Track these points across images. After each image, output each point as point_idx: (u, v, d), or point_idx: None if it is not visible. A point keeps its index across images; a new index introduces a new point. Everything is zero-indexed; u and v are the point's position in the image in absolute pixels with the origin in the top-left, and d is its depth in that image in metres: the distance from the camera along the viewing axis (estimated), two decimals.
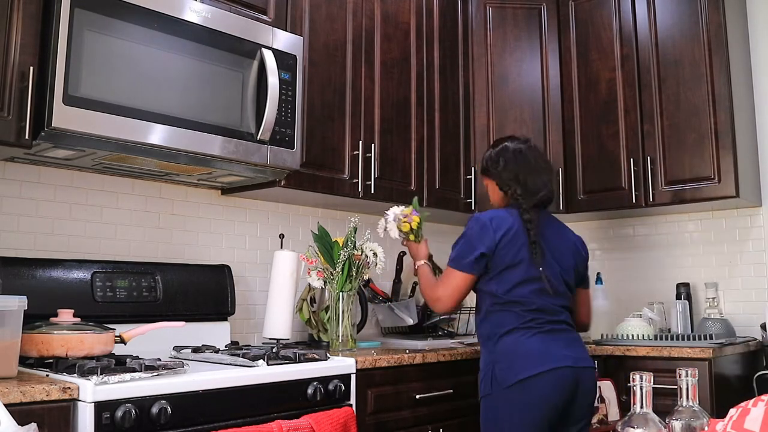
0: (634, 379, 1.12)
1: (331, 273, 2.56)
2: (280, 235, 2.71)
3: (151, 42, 2.01)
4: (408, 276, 3.17)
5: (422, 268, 2.42)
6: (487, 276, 2.18)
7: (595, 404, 2.67)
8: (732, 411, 1.03)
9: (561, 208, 3.27)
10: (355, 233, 2.57)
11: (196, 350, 2.17)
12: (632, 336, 2.84)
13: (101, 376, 1.56)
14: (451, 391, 2.52)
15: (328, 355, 2.17)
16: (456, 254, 2.24)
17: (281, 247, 2.63)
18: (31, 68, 1.81)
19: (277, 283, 2.52)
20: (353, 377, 2.15)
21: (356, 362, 2.17)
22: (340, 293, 2.55)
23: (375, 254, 2.62)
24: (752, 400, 1.03)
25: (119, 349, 1.91)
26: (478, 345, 2.63)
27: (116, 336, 1.88)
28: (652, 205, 3.06)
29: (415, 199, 2.66)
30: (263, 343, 2.48)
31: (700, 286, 3.16)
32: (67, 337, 1.76)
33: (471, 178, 3.24)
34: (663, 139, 3.03)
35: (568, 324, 2.19)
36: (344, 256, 2.53)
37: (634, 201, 3.06)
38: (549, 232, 2.24)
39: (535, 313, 2.11)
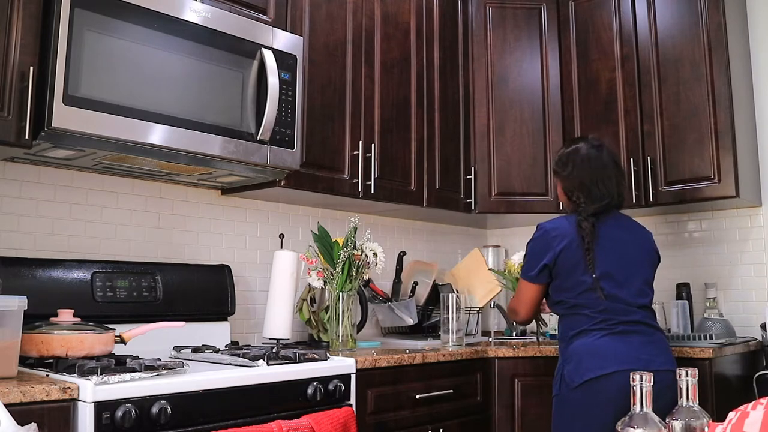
0: (634, 379, 1.12)
1: (331, 273, 2.56)
2: (280, 235, 2.72)
3: (151, 42, 2.01)
4: (408, 276, 3.17)
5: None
6: (555, 282, 2.24)
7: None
8: (731, 414, 1.03)
9: (561, 208, 3.27)
10: (355, 233, 2.57)
11: (196, 350, 2.17)
12: None
13: (101, 376, 1.56)
14: (451, 391, 2.52)
15: (328, 355, 2.17)
16: (524, 266, 2.34)
17: (281, 247, 2.64)
18: (31, 68, 1.81)
19: (277, 283, 2.52)
20: (353, 377, 2.15)
21: (356, 362, 2.17)
22: (340, 293, 2.55)
23: (375, 254, 2.62)
24: (751, 404, 1.03)
25: (119, 349, 1.91)
26: (480, 345, 2.66)
27: (116, 336, 1.88)
28: (652, 205, 3.06)
29: None
30: (263, 343, 2.48)
31: (700, 286, 3.16)
32: (67, 337, 1.76)
33: (471, 178, 3.24)
34: (663, 139, 3.02)
35: (646, 324, 2.16)
36: (344, 256, 2.53)
37: (634, 201, 3.06)
38: (617, 233, 2.23)
39: (604, 314, 2.13)
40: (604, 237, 2.20)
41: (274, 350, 2.08)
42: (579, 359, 2.10)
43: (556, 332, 2.33)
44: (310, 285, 2.65)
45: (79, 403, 1.53)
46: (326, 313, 2.66)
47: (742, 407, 1.04)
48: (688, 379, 1.12)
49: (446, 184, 3.13)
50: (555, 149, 3.30)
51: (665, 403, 1.99)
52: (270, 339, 2.48)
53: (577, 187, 2.26)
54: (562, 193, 2.36)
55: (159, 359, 1.82)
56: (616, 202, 2.27)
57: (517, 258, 2.82)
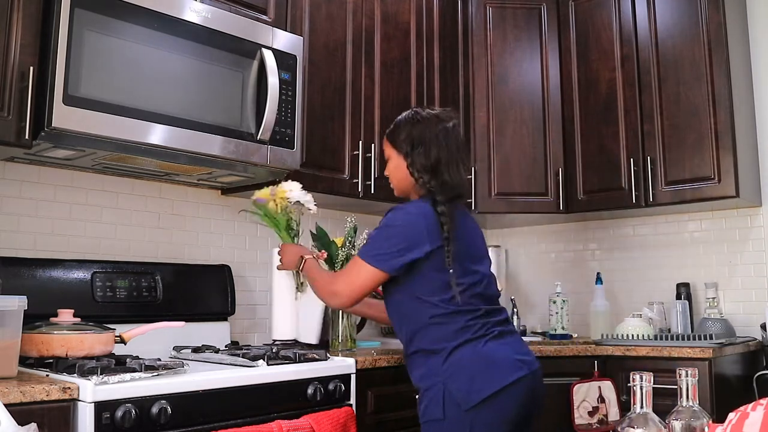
0: (634, 379, 1.12)
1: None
2: None
3: (151, 42, 2.01)
4: None
5: (309, 261, 2.08)
6: (412, 280, 1.86)
7: (595, 404, 2.67)
8: (731, 415, 1.03)
9: (561, 208, 3.27)
10: (354, 233, 2.57)
11: (196, 350, 2.17)
12: (632, 336, 2.84)
13: (101, 376, 1.56)
14: None
15: (328, 355, 2.17)
16: (378, 248, 1.86)
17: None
18: (31, 68, 1.81)
19: (280, 283, 2.49)
20: (353, 377, 2.15)
21: (356, 362, 2.17)
22: None
23: None
24: (751, 404, 1.03)
25: (119, 349, 1.91)
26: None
27: (116, 336, 1.88)
28: (652, 205, 3.06)
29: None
30: (266, 344, 2.48)
31: (700, 286, 3.16)
32: (67, 337, 1.76)
33: (471, 178, 3.24)
34: (663, 139, 3.03)
35: (509, 321, 1.94)
36: (343, 256, 2.53)
37: (634, 201, 3.06)
38: (466, 227, 1.95)
39: (486, 318, 1.85)
40: (462, 227, 1.90)
41: (274, 350, 2.08)
42: (469, 373, 1.77)
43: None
44: None
45: (79, 403, 1.53)
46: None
47: (741, 408, 1.03)
48: (688, 379, 1.12)
49: None
50: (555, 149, 3.31)
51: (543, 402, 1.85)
52: (277, 341, 2.43)
53: (429, 169, 1.91)
54: (400, 171, 1.99)
55: (159, 359, 1.82)
56: (467, 189, 2.05)
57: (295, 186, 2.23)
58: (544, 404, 1.91)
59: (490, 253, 2.77)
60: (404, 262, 1.83)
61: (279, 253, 2.22)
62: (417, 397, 1.88)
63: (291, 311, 2.48)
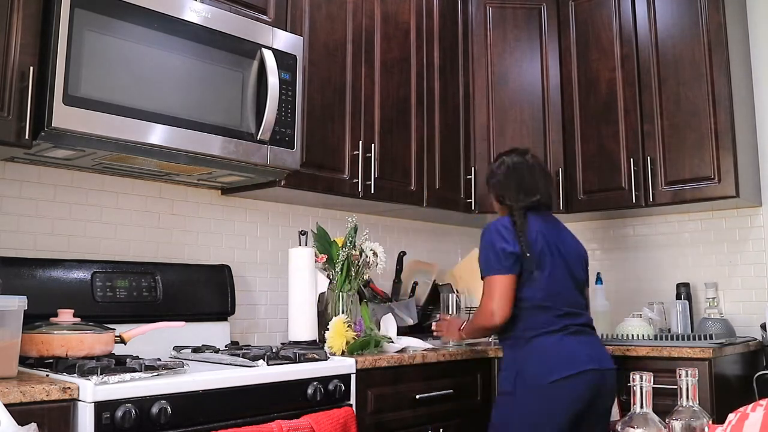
0: (634, 379, 1.12)
1: (331, 273, 2.56)
2: (301, 232, 2.58)
3: (151, 42, 2.01)
4: (408, 276, 3.17)
5: (464, 330, 2.46)
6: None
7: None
8: (731, 416, 1.03)
9: (561, 208, 3.27)
10: (355, 233, 2.57)
11: (196, 350, 2.17)
12: (632, 336, 2.84)
13: (101, 376, 1.56)
14: (451, 391, 2.52)
15: (328, 355, 2.17)
16: (491, 261, 2.23)
17: (291, 246, 2.58)
18: (31, 68, 1.81)
19: (297, 283, 2.46)
20: (353, 377, 2.15)
21: (356, 362, 2.17)
22: (340, 293, 2.55)
23: (375, 254, 2.62)
24: (751, 405, 1.03)
25: (119, 349, 1.91)
26: (480, 345, 2.65)
27: (116, 336, 1.88)
28: (652, 205, 3.06)
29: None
30: (283, 344, 2.47)
31: (700, 286, 3.16)
32: (67, 337, 1.76)
33: (471, 178, 3.24)
34: (663, 139, 3.03)
35: (587, 325, 2.27)
36: (343, 256, 2.53)
37: (634, 201, 3.06)
38: (549, 233, 2.29)
39: (565, 318, 2.20)
40: (534, 230, 2.25)
41: (274, 350, 2.08)
42: (541, 359, 2.15)
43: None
44: None
45: (79, 403, 1.53)
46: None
47: (741, 409, 1.04)
48: (688, 379, 1.12)
49: (446, 184, 3.13)
50: (555, 149, 3.31)
51: (612, 399, 2.19)
52: (294, 342, 2.42)
53: (506, 190, 2.36)
54: (495, 205, 2.46)
55: (159, 359, 1.82)
56: (544, 200, 2.35)
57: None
58: (606, 407, 2.21)
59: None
60: (512, 259, 2.20)
61: (439, 327, 2.64)
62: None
63: (309, 312, 2.46)
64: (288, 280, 2.50)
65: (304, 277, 2.46)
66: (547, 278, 2.21)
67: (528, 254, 2.19)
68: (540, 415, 2.10)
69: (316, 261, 2.54)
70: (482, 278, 2.26)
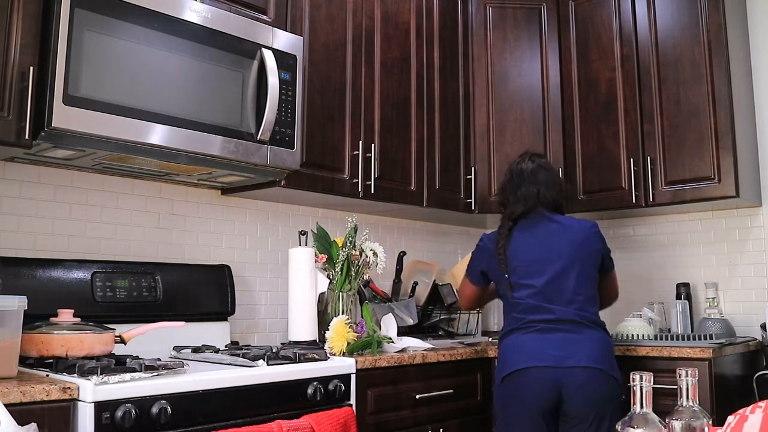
0: (634, 379, 1.12)
1: (332, 273, 2.56)
2: (301, 232, 2.61)
3: (151, 42, 2.01)
4: (408, 276, 3.17)
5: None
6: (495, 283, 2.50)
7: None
8: (730, 418, 1.03)
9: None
10: (355, 233, 2.57)
11: (196, 350, 2.17)
12: (632, 336, 2.84)
13: (101, 376, 1.56)
14: (451, 391, 2.52)
15: (328, 355, 2.17)
16: (469, 263, 2.59)
17: (296, 245, 2.59)
18: (31, 68, 1.81)
19: (297, 283, 2.46)
20: (353, 377, 2.15)
21: (356, 362, 2.17)
22: (340, 293, 2.55)
23: (375, 254, 2.62)
24: (750, 407, 1.03)
25: (119, 349, 1.91)
26: (480, 345, 2.69)
27: (116, 336, 1.88)
28: (652, 205, 3.06)
29: None
30: (284, 344, 2.47)
31: (700, 286, 3.16)
32: (67, 337, 1.76)
33: (471, 178, 3.24)
34: (663, 139, 3.03)
35: (564, 321, 2.27)
36: (343, 256, 2.53)
37: (634, 201, 3.06)
38: (535, 232, 2.40)
39: (526, 314, 2.30)
40: (518, 238, 2.38)
41: (274, 350, 2.08)
42: (501, 357, 2.33)
43: None
44: None
45: (79, 403, 1.53)
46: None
47: (740, 411, 1.04)
48: (688, 379, 1.12)
49: (446, 184, 3.13)
50: (555, 149, 3.31)
51: (585, 399, 2.17)
52: (294, 342, 2.43)
53: (503, 200, 2.53)
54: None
55: (159, 359, 1.82)
56: (540, 201, 2.43)
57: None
58: (583, 403, 2.20)
59: None
60: (478, 276, 2.53)
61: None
62: None
63: (309, 312, 2.46)
64: (288, 280, 2.50)
65: (304, 277, 2.46)
66: (519, 284, 2.33)
67: (504, 272, 2.37)
68: (504, 407, 2.27)
69: (316, 261, 2.53)
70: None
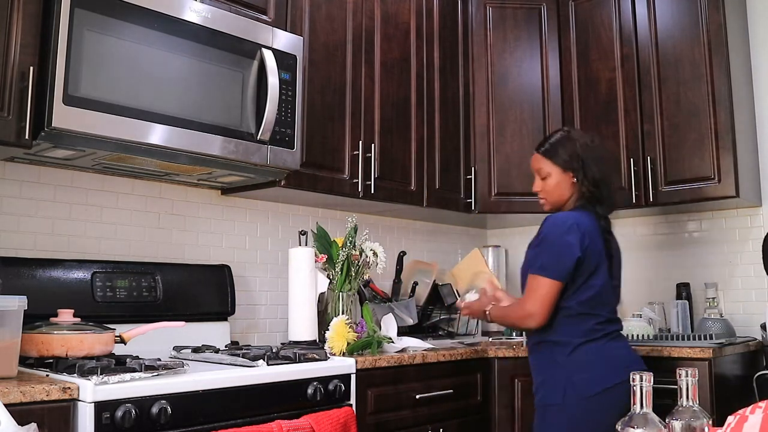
0: (634, 379, 1.12)
1: (332, 273, 2.56)
2: (301, 232, 2.61)
3: (151, 42, 2.01)
4: (408, 276, 3.17)
5: (492, 310, 2.28)
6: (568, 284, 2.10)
7: None
8: (730, 418, 1.03)
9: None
10: (355, 233, 2.57)
11: (196, 350, 2.17)
12: (632, 336, 2.84)
13: (101, 376, 1.56)
14: (451, 391, 2.52)
15: (328, 355, 2.17)
16: (545, 261, 2.08)
17: (296, 245, 2.58)
18: (31, 68, 1.81)
19: (297, 283, 2.46)
20: (353, 377, 2.15)
21: (356, 362, 2.17)
22: (340, 293, 2.55)
23: (375, 254, 2.62)
24: (750, 407, 1.03)
25: (119, 349, 1.91)
26: (479, 345, 2.60)
27: (116, 336, 1.88)
28: (652, 205, 3.06)
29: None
30: (284, 344, 2.47)
31: (700, 286, 3.16)
32: (67, 337, 1.76)
33: (471, 178, 3.24)
34: (663, 139, 3.02)
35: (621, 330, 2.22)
36: (343, 256, 2.53)
37: (634, 201, 3.06)
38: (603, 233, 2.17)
39: (608, 325, 2.12)
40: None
41: (274, 350, 2.08)
42: (593, 367, 2.04)
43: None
44: None
45: (79, 403, 1.53)
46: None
47: (740, 411, 1.04)
48: (688, 379, 1.12)
49: (446, 184, 3.13)
50: None
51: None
52: (294, 342, 2.42)
53: (598, 182, 2.15)
54: (565, 184, 2.21)
55: (159, 359, 1.82)
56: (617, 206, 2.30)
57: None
58: None
59: (490, 253, 2.76)
60: (570, 268, 2.05)
61: (465, 307, 2.39)
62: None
63: (309, 312, 2.46)
64: (288, 280, 2.50)
65: (304, 277, 2.46)
66: (597, 285, 2.09)
67: (600, 263, 2.08)
68: (589, 425, 1.99)
69: (316, 261, 2.54)
70: (530, 272, 2.12)
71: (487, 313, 2.26)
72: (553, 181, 2.24)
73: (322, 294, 2.61)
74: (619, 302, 2.23)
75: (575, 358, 2.06)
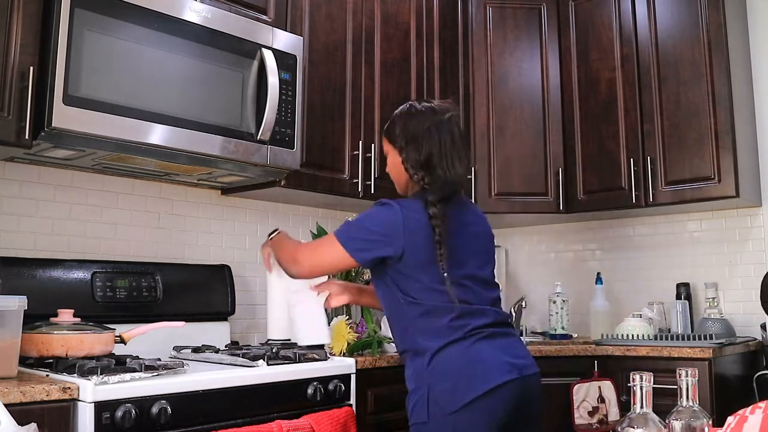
0: (634, 379, 1.12)
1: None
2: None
3: (151, 42, 2.01)
4: None
5: (282, 232, 2.04)
6: (397, 277, 1.79)
7: (595, 404, 2.67)
8: (730, 419, 1.03)
9: (561, 208, 3.27)
10: None
11: (196, 350, 2.17)
12: (632, 336, 2.84)
13: (101, 376, 1.56)
14: None
15: (328, 355, 2.17)
16: (351, 232, 1.81)
17: None
18: (31, 68, 1.81)
19: (276, 282, 2.49)
20: (353, 377, 2.15)
21: (356, 362, 2.17)
22: None
23: None
24: (750, 408, 1.03)
25: (119, 349, 1.91)
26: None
27: (116, 336, 1.88)
28: (652, 205, 3.06)
29: None
30: (262, 344, 2.48)
31: (700, 286, 3.16)
32: (67, 337, 1.76)
33: (471, 178, 3.24)
34: (663, 139, 3.03)
35: (500, 323, 1.82)
36: None
37: (634, 201, 3.06)
38: (463, 222, 1.87)
39: (469, 319, 1.76)
40: (454, 226, 1.81)
41: (274, 350, 2.08)
42: (455, 375, 1.71)
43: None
44: None
45: (79, 403, 1.53)
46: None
47: (740, 411, 1.04)
48: (688, 379, 1.12)
49: None
50: (555, 149, 3.31)
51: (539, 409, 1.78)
52: (273, 340, 2.45)
53: (421, 164, 1.83)
54: (396, 167, 1.93)
55: (159, 359, 1.82)
56: (464, 183, 1.95)
57: None
58: (541, 409, 1.84)
59: None
60: (375, 256, 1.77)
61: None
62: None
63: (286, 311, 2.47)
64: (267, 281, 2.49)
65: (281, 278, 2.47)
66: (432, 278, 1.76)
67: (424, 257, 1.75)
68: None
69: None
70: (334, 232, 1.84)
71: (278, 231, 2.05)
72: (389, 161, 1.99)
73: None
74: (491, 293, 1.87)
75: (435, 367, 1.73)
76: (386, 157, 2.01)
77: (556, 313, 3.26)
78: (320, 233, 2.61)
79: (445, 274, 1.74)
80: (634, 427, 1.09)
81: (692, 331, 2.99)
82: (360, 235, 1.80)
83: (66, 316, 1.86)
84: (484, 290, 1.85)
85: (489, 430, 1.68)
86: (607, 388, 2.67)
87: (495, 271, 1.99)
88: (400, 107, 2.00)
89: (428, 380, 1.73)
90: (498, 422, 1.69)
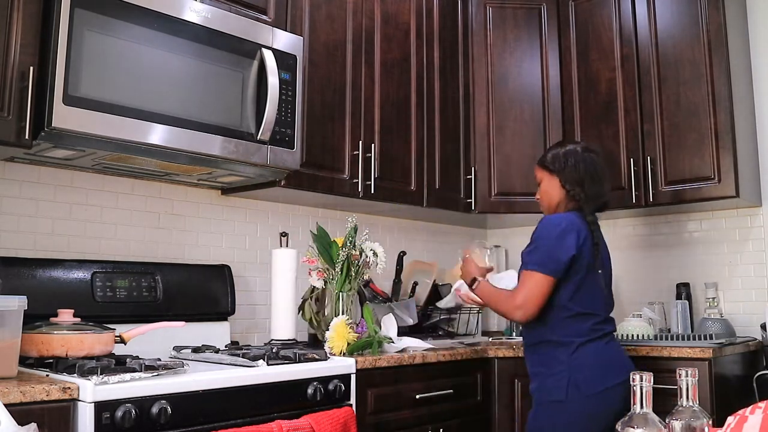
0: (634, 379, 1.12)
1: (331, 273, 2.56)
2: (282, 234, 2.68)
3: (151, 42, 2.01)
4: (408, 276, 3.17)
5: (482, 283, 2.33)
6: (565, 283, 2.16)
7: None
8: (730, 419, 1.03)
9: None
10: (355, 233, 2.57)
11: (196, 350, 2.17)
12: (632, 336, 2.84)
13: (101, 376, 1.56)
14: (451, 391, 2.52)
15: (328, 355, 2.17)
16: (540, 258, 2.14)
17: (280, 246, 2.62)
18: (31, 68, 1.81)
19: (279, 283, 2.50)
20: (353, 377, 2.15)
21: (356, 362, 2.17)
22: (340, 293, 2.55)
23: (375, 254, 2.62)
24: (749, 408, 1.03)
25: (119, 349, 1.91)
26: (480, 345, 2.59)
27: (116, 336, 1.88)
28: (652, 205, 3.06)
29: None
30: (265, 344, 2.48)
31: (700, 286, 3.16)
32: (67, 337, 1.76)
33: (471, 178, 3.24)
34: (663, 139, 3.02)
35: (614, 330, 2.28)
36: (343, 256, 2.53)
37: (634, 201, 3.06)
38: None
39: (605, 325, 2.21)
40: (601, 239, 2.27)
41: (274, 350, 2.08)
42: (594, 367, 2.12)
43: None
44: (312, 285, 2.65)
45: (79, 403, 1.53)
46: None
47: (740, 411, 1.04)
48: (688, 379, 1.12)
49: (446, 184, 3.13)
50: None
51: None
52: (276, 340, 2.45)
53: (577, 182, 2.25)
54: (554, 189, 2.31)
55: (159, 359, 1.82)
56: (607, 204, 2.34)
57: None
58: None
59: (487, 255, 2.77)
60: (564, 265, 2.12)
61: (463, 264, 2.46)
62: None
63: (291, 311, 2.48)
64: (271, 281, 2.53)
65: (287, 278, 2.50)
66: (593, 284, 2.18)
67: (592, 261, 2.17)
68: (588, 422, 2.07)
69: (310, 263, 2.56)
70: (523, 269, 2.18)
71: (478, 281, 2.33)
72: (543, 186, 2.37)
73: (319, 292, 2.63)
74: (614, 303, 2.29)
75: (577, 358, 2.13)
76: (539, 184, 2.39)
77: None
78: (320, 233, 2.61)
79: (600, 272, 2.20)
80: (634, 427, 1.09)
81: (692, 331, 2.99)
82: (549, 255, 2.15)
83: (66, 316, 1.86)
84: (610, 297, 2.27)
85: (608, 415, 2.02)
86: None
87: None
88: (554, 145, 2.48)
89: (569, 367, 2.12)
90: (615, 410, 2.00)
